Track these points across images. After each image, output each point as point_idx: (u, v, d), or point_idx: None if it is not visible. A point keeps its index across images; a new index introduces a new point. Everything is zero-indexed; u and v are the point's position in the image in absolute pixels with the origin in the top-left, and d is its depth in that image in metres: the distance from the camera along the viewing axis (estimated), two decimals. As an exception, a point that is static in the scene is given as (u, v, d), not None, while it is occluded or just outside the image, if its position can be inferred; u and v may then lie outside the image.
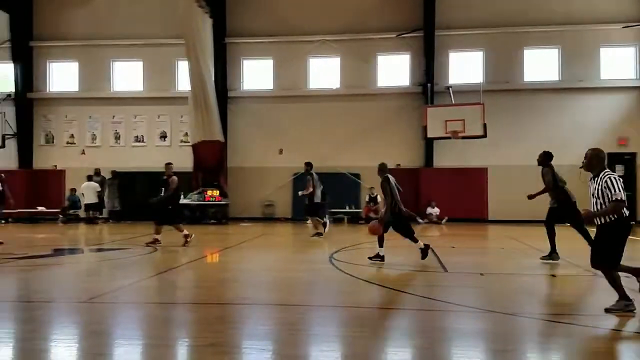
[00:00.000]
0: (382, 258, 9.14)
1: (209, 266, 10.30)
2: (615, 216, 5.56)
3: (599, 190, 5.64)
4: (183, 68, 20.08)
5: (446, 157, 19.93)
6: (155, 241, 11.86)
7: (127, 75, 21.55)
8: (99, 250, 12.41)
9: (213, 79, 19.54)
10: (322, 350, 4.82)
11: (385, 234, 9.32)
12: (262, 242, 13.82)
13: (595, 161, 5.79)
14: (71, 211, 20.10)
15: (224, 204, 19.46)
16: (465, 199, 19.41)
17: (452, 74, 20.33)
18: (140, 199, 20.48)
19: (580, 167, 6.02)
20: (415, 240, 9.30)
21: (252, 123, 20.80)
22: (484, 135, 17.72)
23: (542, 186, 9.44)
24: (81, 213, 19.94)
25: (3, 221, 19.71)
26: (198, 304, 6.64)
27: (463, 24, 19.99)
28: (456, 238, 14.64)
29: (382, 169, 9.46)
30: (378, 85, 20.75)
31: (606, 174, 5.66)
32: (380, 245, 9.21)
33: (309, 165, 13.75)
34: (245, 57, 21.14)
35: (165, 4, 20.17)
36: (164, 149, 20.83)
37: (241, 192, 20.46)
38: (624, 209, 5.55)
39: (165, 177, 12.06)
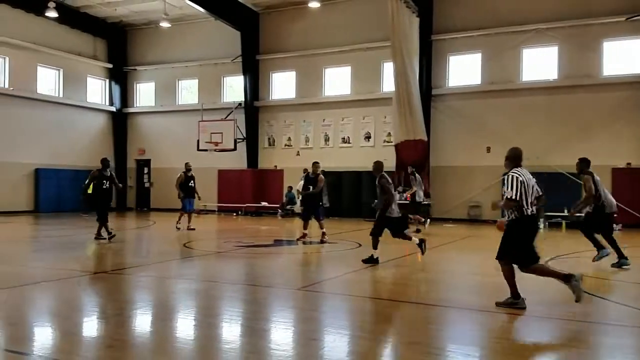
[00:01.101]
0: (376, 261, 9.00)
1: (410, 265, 10.34)
2: (517, 214, 5.80)
3: (503, 187, 6.06)
4: (388, 69, 20.55)
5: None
6: (304, 236, 12.52)
7: (337, 81, 22.89)
8: (311, 242, 13.40)
9: (417, 77, 19.58)
10: (533, 364, 4.46)
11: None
12: (467, 245, 13.38)
13: (508, 160, 6.07)
14: (288, 207, 22.14)
15: (426, 203, 19.34)
16: None
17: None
18: (347, 197, 21.82)
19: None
20: (409, 238, 9.37)
21: (457, 120, 20.28)
22: None
23: None
24: (296, 208, 21.81)
25: (235, 214, 22.74)
26: (400, 301, 6.72)
27: None
28: None
29: (378, 167, 9.44)
30: (604, 74, 18.42)
31: (511, 172, 5.88)
32: (375, 248, 9.07)
33: (411, 167, 16.29)
34: (452, 52, 20.70)
35: (374, 9, 20.89)
36: (368, 149, 21.60)
37: (445, 192, 20.10)
38: (526, 209, 5.75)
39: (312, 176, 12.68)
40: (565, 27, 18.63)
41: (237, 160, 23.61)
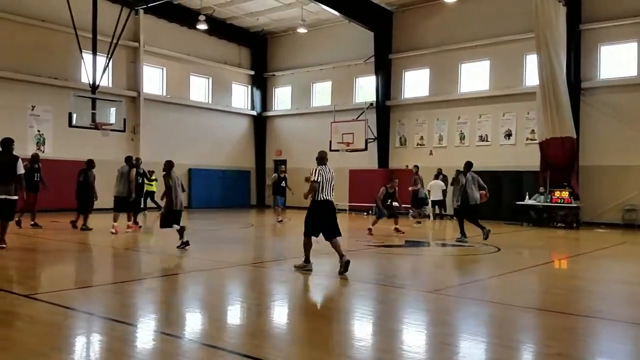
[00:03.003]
0: (186, 244, 10.31)
1: (556, 272, 9.61)
2: (313, 197, 8.00)
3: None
4: (531, 62, 19.27)
5: None
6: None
7: (473, 76, 21.98)
8: (444, 245, 13.06)
9: (565, 70, 18.07)
10: None
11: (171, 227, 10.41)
12: (622, 252, 12.08)
13: (317, 160, 8.23)
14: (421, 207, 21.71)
15: (574, 206, 17.78)
16: None
17: None
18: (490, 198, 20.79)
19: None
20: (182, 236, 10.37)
21: (611, 115, 18.34)
22: None
23: None
24: (428, 209, 21.34)
25: (365, 214, 22.91)
26: (543, 310, 6.27)
27: None
28: None
29: (169, 166, 10.44)
30: None
31: (317, 167, 8.08)
32: (181, 237, 10.40)
33: (416, 167, 19.29)
34: (603, 42, 18.78)
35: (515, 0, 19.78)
36: (509, 148, 20.43)
37: (596, 194, 18.30)
38: (320, 194, 7.95)
39: (392, 191, 15.44)
40: None
41: (368, 160, 23.76)
